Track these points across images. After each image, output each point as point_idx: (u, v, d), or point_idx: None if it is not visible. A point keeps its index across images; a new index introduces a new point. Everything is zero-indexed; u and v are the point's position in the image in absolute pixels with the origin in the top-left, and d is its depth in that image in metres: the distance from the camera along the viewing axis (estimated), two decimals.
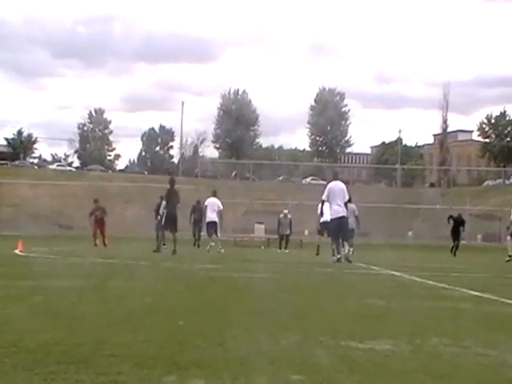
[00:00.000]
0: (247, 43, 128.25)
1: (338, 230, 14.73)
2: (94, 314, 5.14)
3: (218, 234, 21.39)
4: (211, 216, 20.99)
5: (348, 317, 5.55)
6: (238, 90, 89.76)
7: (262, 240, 32.63)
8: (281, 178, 66.78)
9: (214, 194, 21.77)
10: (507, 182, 63.68)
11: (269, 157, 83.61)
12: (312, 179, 67.18)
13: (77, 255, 15.98)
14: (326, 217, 16.39)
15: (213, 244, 20.72)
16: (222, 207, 21.31)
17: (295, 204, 42.64)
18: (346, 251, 14.97)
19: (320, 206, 15.68)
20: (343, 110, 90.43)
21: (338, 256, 14.36)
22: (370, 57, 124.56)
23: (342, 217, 14.65)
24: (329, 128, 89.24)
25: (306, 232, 39.80)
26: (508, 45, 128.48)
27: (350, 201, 18.00)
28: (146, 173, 76.20)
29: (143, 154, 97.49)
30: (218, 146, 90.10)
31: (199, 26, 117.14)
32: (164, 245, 19.70)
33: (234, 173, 68.70)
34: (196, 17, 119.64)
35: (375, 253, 22.36)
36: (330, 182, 15.66)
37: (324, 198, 14.97)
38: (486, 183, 69.50)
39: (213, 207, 21.14)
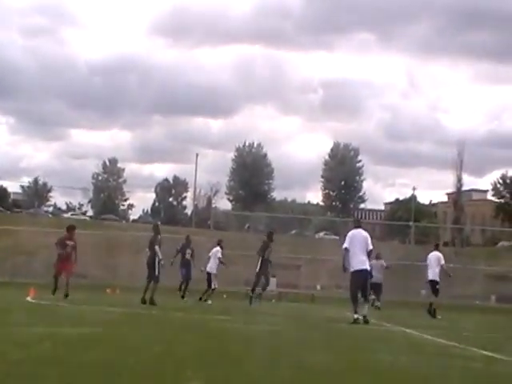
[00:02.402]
0: (262, 98, 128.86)
1: (358, 284, 12.99)
2: (100, 362, 5.15)
3: (212, 285, 21.09)
4: (209, 266, 21.23)
5: (354, 372, 5.52)
6: (253, 143, 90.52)
7: (274, 293, 32.43)
8: (294, 231, 66.55)
9: (219, 244, 21.85)
10: None
11: (282, 210, 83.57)
12: (325, 234, 67.03)
13: (88, 303, 15.96)
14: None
15: (210, 302, 20.15)
16: (220, 255, 21.27)
17: (308, 258, 42.45)
18: (365, 311, 12.98)
19: (343, 256, 13.23)
20: (357, 165, 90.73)
21: (356, 316, 12.74)
22: (381, 113, 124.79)
23: (366, 270, 12.99)
24: (342, 183, 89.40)
25: (319, 287, 39.52)
26: None
27: (378, 257, 18.38)
28: (159, 223, 76.34)
29: (157, 204, 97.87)
30: (231, 198, 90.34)
31: (215, 81, 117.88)
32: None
33: (246, 225, 68.71)
34: (211, 71, 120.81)
35: (387, 310, 22.14)
36: (351, 230, 13.65)
37: (346, 245, 12.98)
38: (500, 244, 68.91)
39: (214, 256, 21.31)
